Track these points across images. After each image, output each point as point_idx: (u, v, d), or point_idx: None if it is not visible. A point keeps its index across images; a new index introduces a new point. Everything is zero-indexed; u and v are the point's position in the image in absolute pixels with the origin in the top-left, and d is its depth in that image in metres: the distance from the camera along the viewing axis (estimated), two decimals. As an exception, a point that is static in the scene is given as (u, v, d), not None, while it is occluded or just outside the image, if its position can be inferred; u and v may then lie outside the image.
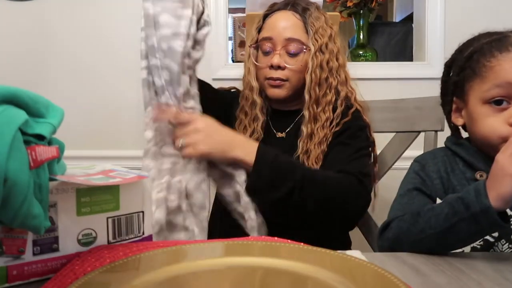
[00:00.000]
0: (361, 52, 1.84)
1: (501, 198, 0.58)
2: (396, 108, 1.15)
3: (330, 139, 1.03)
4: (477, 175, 0.73)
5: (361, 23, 1.85)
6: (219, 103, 1.13)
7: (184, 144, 0.81)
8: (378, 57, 1.87)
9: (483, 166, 0.73)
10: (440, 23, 1.67)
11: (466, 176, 0.74)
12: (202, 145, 0.82)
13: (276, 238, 0.58)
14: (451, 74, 0.81)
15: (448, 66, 0.83)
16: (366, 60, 1.83)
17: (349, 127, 1.03)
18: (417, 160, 0.83)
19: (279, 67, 1.04)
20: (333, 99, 1.05)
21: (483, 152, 0.75)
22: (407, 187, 0.78)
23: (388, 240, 0.70)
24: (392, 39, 2.01)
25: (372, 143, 1.08)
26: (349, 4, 1.77)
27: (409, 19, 2.23)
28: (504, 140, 0.69)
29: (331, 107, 1.04)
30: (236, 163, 0.86)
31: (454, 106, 0.81)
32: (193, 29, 0.81)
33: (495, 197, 0.59)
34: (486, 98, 0.72)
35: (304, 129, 1.03)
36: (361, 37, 1.86)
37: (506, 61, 0.71)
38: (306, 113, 1.04)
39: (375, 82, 1.64)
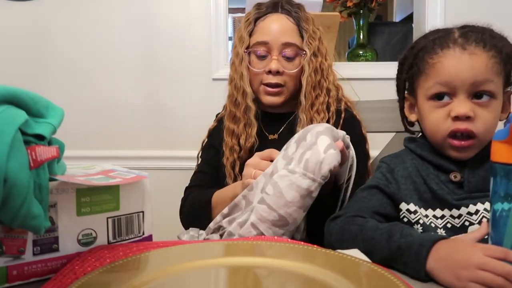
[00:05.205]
0: (361, 52, 1.84)
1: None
2: (396, 108, 1.15)
3: None
4: (452, 177, 0.71)
5: (361, 23, 1.85)
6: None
7: None
8: (378, 57, 1.87)
9: (453, 167, 0.72)
10: (440, 23, 1.67)
11: (442, 180, 0.73)
12: None
13: (276, 237, 0.58)
14: (402, 72, 0.82)
15: (401, 63, 0.82)
16: (366, 60, 1.83)
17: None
18: (386, 162, 0.80)
19: (277, 73, 1.03)
20: (326, 99, 1.06)
21: (435, 148, 0.75)
22: (369, 184, 0.78)
23: (330, 243, 0.69)
24: (392, 39, 2.01)
25: (365, 140, 1.08)
26: (349, 4, 1.77)
27: (409, 19, 2.23)
28: (447, 134, 0.69)
29: (324, 106, 1.05)
30: None
31: (407, 102, 0.82)
32: None
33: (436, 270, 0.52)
34: (429, 95, 0.72)
35: None
36: (361, 37, 1.86)
37: (446, 58, 0.70)
38: (303, 116, 1.03)
39: (375, 82, 1.63)
